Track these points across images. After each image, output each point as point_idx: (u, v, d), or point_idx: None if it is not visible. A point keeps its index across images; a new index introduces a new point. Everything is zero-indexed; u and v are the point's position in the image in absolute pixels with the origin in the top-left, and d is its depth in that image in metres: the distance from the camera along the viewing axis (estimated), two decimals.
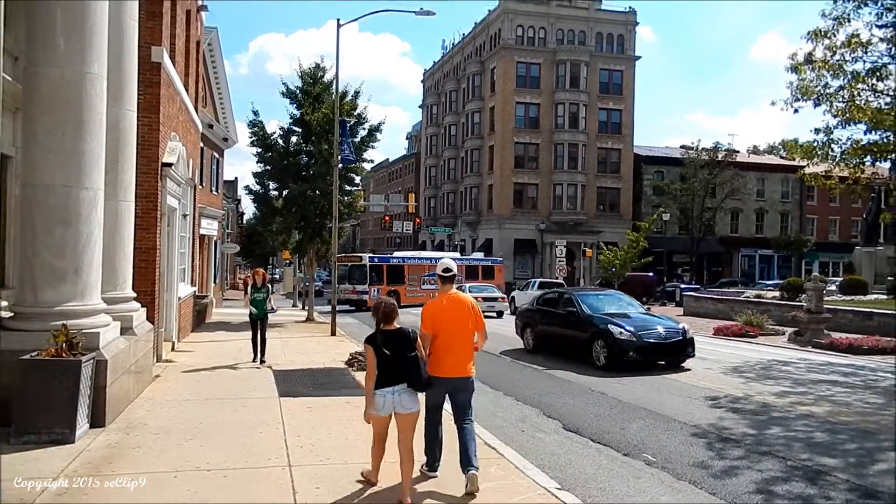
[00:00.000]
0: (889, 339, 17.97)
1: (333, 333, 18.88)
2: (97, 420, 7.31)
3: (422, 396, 5.88)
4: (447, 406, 6.38)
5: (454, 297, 6.18)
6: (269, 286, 13.92)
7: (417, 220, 50.61)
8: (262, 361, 12.86)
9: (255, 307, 13.11)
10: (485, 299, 30.84)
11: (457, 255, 44.72)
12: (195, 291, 19.26)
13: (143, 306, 10.28)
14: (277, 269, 58.80)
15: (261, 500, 5.37)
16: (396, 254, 42.74)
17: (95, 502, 5.20)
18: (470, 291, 31.19)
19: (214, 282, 29.64)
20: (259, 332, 13.08)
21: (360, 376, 11.70)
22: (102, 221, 8.11)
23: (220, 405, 9.03)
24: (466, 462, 5.77)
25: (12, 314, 7.50)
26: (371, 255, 40.49)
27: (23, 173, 7.69)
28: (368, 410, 5.61)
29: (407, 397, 5.60)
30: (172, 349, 13.93)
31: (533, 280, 36.87)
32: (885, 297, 26.87)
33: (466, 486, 5.67)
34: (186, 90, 15.71)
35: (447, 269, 6.23)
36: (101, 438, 6.99)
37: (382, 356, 5.52)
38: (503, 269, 43.88)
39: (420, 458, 6.06)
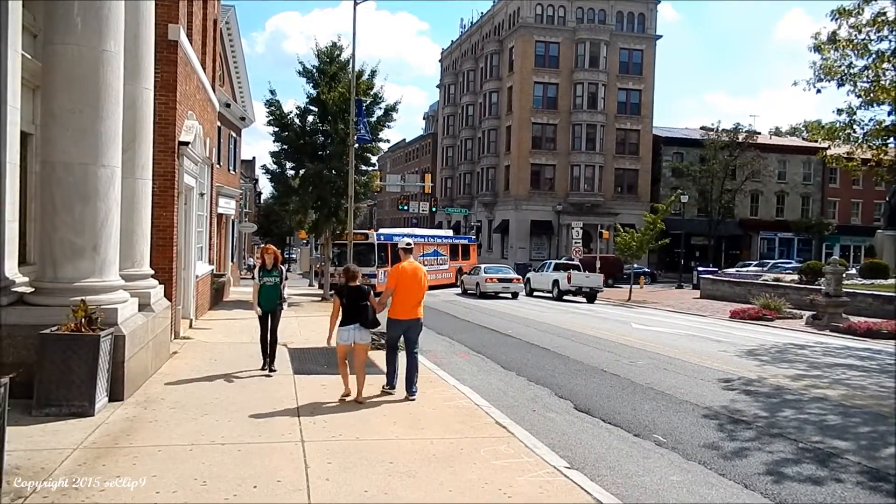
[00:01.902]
0: None
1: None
2: (116, 394, 7.46)
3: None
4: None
5: (412, 265, 8.60)
6: (283, 268, 10.19)
7: (434, 201, 50.61)
8: (272, 369, 9.87)
9: (265, 297, 9.79)
10: (500, 280, 30.87)
11: (439, 231, 44.49)
12: (213, 270, 19.45)
13: (160, 283, 10.42)
14: (295, 249, 59.12)
15: (274, 473, 5.47)
16: (396, 230, 41.62)
17: (114, 470, 5.32)
18: (486, 272, 31.32)
19: (232, 261, 29.94)
20: (270, 329, 9.96)
21: (374, 355, 11.78)
22: (120, 199, 8.21)
23: (235, 382, 9.16)
24: (409, 387, 8.44)
25: (33, 289, 7.64)
26: (378, 232, 35.13)
27: (42, 151, 7.80)
28: (333, 340, 8.22)
29: (360, 333, 8.14)
30: (190, 326, 14.11)
31: (548, 261, 36.81)
32: None
33: (406, 397, 8.39)
34: (203, 69, 15.75)
35: (408, 244, 8.90)
36: (120, 412, 7.14)
37: (343, 303, 8.12)
38: (475, 247, 44.28)
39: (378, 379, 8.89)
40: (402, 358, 8.72)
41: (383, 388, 8.71)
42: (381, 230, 36.06)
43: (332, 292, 8.64)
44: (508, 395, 9.53)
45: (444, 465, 5.87)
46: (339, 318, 8.18)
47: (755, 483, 5.96)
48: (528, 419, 8.02)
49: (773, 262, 45.49)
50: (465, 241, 42.77)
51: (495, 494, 5.24)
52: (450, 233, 45.61)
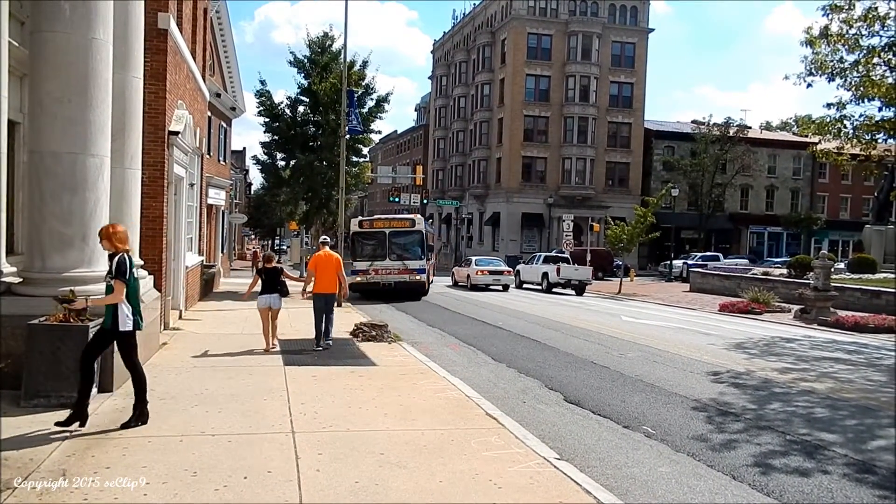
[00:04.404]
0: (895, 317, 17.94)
1: (339, 305, 18.96)
2: (105, 385, 7.42)
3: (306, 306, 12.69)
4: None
5: (328, 253, 11.78)
6: (129, 259, 6.21)
7: (425, 193, 50.41)
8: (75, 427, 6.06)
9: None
10: (491, 272, 30.89)
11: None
12: (202, 261, 19.37)
13: (150, 274, 10.37)
14: (285, 240, 58.93)
15: (265, 464, 5.47)
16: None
17: (104, 461, 5.31)
18: (476, 265, 31.33)
19: (222, 252, 29.79)
20: (130, 364, 6.42)
21: (365, 347, 11.85)
22: (109, 189, 8.14)
23: (225, 373, 9.14)
24: (325, 338, 11.61)
25: (21, 280, 7.57)
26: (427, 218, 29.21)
27: (29, 140, 7.72)
28: (255, 302, 11.40)
29: (276, 300, 11.18)
30: (180, 317, 14.06)
31: (538, 254, 36.90)
32: (893, 275, 26.72)
33: (323, 345, 11.45)
34: (194, 58, 15.62)
35: (324, 239, 12.54)
36: (109, 403, 7.10)
37: (263, 279, 11.20)
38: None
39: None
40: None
41: (314, 346, 11.45)
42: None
43: (256, 272, 11.84)
44: (499, 386, 9.55)
45: (435, 456, 5.89)
46: (260, 287, 11.24)
47: (743, 474, 6.01)
48: (519, 410, 8.04)
49: (699, 254, 46.86)
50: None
51: (486, 485, 5.25)
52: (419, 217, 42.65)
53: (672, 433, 7.27)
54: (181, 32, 13.52)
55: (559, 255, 35.00)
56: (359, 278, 23.09)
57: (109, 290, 6.21)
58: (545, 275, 31.69)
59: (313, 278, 11.76)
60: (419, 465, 5.63)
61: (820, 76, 16.85)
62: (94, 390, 7.17)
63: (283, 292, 11.36)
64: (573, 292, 31.08)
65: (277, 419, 6.87)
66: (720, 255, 46.68)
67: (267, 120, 25.01)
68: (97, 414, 6.65)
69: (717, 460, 6.38)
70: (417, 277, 23.75)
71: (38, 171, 7.47)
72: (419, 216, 27.42)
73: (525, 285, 33.43)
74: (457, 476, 5.42)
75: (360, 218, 24.34)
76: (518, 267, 35.56)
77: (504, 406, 8.08)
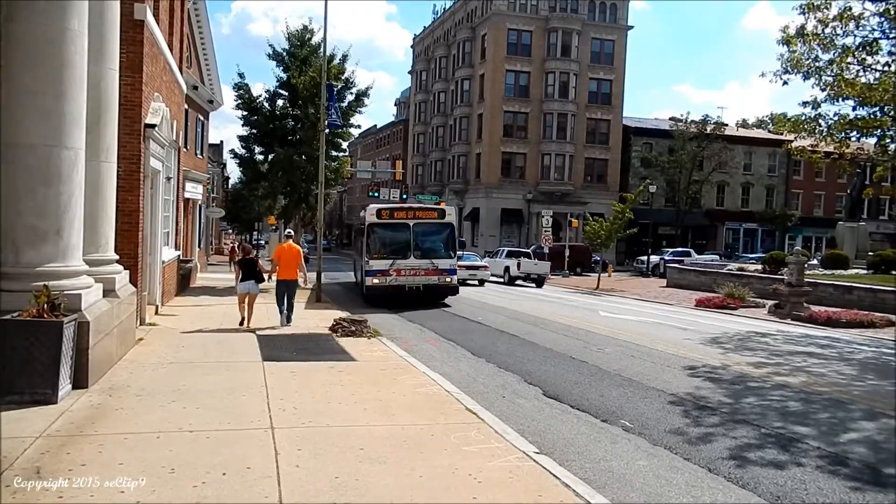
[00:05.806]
0: (867, 312, 18.30)
1: (319, 300, 18.89)
2: (80, 381, 7.31)
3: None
4: None
5: (290, 245, 14.01)
6: None
7: (405, 188, 50.28)
8: None
9: None
10: (467, 267, 30.99)
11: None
12: (179, 255, 19.14)
13: (126, 269, 10.21)
14: (263, 235, 58.44)
15: (243, 460, 5.43)
16: None
17: (79, 458, 5.23)
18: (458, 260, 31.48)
19: (199, 246, 29.46)
20: None
21: (345, 342, 11.81)
22: (84, 182, 8.01)
23: (203, 368, 9.06)
24: (288, 320, 13.56)
25: None
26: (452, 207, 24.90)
27: (3, 132, 7.55)
28: (238, 291, 13.38)
29: (253, 286, 13.15)
30: (156, 313, 13.89)
31: (501, 249, 38.44)
32: (865, 271, 27.25)
33: (283, 323, 13.47)
34: (171, 50, 15.41)
35: (289, 233, 15.36)
36: (84, 399, 7.01)
37: (242, 268, 13.32)
38: None
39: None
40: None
41: (279, 324, 13.40)
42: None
43: (236, 263, 14.35)
44: (478, 381, 9.58)
45: (415, 451, 5.89)
46: (240, 276, 13.26)
47: (719, 467, 6.09)
48: (498, 405, 8.08)
49: (671, 249, 47.81)
50: None
51: (465, 479, 5.27)
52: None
53: (650, 427, 7.34)
54: (158, 23, 13.32)
55: (521, 250, 37.69)
56: (377, 280, 19.50)
57: None
58: (507, 268, 33.83)
59: (277, 267, 13.83)
60: (399, 461, 5.63)
61: (796, 74, 17.09)
62: (69, 387, 7.09)
63: (259, 279, 13.38)
64: (534, 285, 32.81)
65: (256, 415, 6.82)
66: (692, 251, 47.32)
67: (245, 113, 24.79)
68: (71, 411, 6.56)
69: (694, 453, 6.47)
70: (448, 279, 20.13)
71: (10, 164, 7.32)
72: (449, 206, 23.05)
73: (491, 277, 34.06)
74: (437, 471, 5.43)
75: (377, 206, 20.54)
76: (484, 260, 36.24)
77: (484, 401, 8.11)
